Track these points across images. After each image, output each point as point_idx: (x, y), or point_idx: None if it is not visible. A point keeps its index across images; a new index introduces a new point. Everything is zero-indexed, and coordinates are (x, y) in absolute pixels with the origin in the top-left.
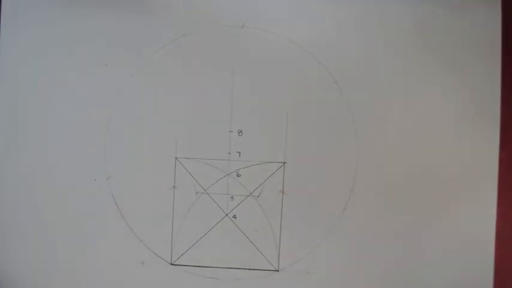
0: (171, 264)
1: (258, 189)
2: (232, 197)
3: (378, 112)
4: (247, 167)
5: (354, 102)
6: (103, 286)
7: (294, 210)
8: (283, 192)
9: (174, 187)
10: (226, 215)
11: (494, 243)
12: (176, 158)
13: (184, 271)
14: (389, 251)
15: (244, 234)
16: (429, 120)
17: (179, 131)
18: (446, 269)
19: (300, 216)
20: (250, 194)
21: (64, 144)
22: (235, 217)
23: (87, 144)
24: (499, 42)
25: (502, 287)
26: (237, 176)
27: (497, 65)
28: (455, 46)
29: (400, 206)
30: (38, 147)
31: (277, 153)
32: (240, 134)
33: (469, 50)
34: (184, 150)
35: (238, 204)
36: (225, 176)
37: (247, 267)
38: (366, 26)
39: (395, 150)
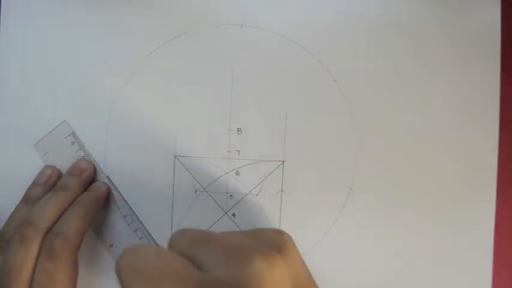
0: None
1: (257, 187)
2: (231, 196)
3: (377, 111)
4: (246, 165)
5: (353, 101)
6: (102, 283)
7: (293, 208)
8: (282, 191)
9: (173, 185)
10: (225, 213)
11: (493, 242)
12: (175, 156)
13: None
14: (389, 250)
15: None
16: (428, 119)
17: (178, 130)
18: (445, 268)
19: (299, 214)
20: (250, 192)
21: None
22: (234, 215)
23: (86, 143)
24: (498, 42)
25: (500, 285)
26: (236, 174)
27: (497, 65)
28: (454, 45)
29: (399, 204)
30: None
31: (277, 151)
32: (239, 132)
33: (469, 49)
34: (183, 148)
35: (238, 203)
36: (224, 174)
37: None
38: (366, 25)
39: (395, 148)
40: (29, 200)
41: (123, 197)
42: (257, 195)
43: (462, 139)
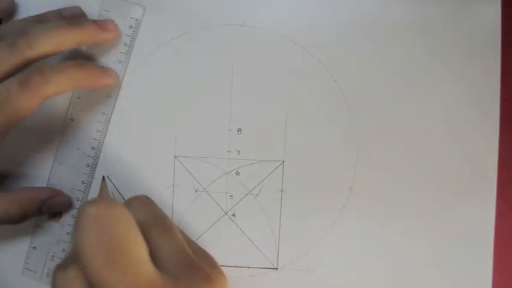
0: None
1: (257, 187)
2: (231, 196)
3: (377, 111)
4: (246, 165)
5: (352, 101)
6: None
7: (293, 208)
8: (282, 191)
9: (173, 185)
10: (226, 214)
11: (493, 242)
12: (175, 156)
13: None
14: (389, 250)
15: (243, 233)
16: (428, 119)
17: (178, 130)
18: (445, 268)
19: (299, 214)
20: (250, 192)
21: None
22: (234, 215)
23: (86, 143)
24: (498, 42)
25: (500, 285)
26: (236, 174)
27: (497, 65)
28: (454, 46)
29: (399, 204)
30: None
31: (277, 151)
32: (239, 132)
33: (469, 49)
34: (183, 148)
35: (238, 203)
36: (224, 174)
37: (246, 266)
38: (366, 25)
39: (395, 148)
40: (38, 18)
41: (123, 197)
42: (257, 195)
43: (462, 139)
